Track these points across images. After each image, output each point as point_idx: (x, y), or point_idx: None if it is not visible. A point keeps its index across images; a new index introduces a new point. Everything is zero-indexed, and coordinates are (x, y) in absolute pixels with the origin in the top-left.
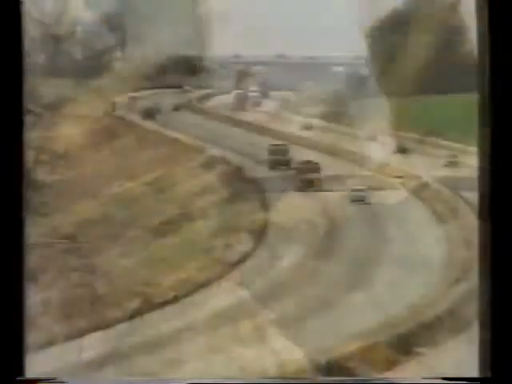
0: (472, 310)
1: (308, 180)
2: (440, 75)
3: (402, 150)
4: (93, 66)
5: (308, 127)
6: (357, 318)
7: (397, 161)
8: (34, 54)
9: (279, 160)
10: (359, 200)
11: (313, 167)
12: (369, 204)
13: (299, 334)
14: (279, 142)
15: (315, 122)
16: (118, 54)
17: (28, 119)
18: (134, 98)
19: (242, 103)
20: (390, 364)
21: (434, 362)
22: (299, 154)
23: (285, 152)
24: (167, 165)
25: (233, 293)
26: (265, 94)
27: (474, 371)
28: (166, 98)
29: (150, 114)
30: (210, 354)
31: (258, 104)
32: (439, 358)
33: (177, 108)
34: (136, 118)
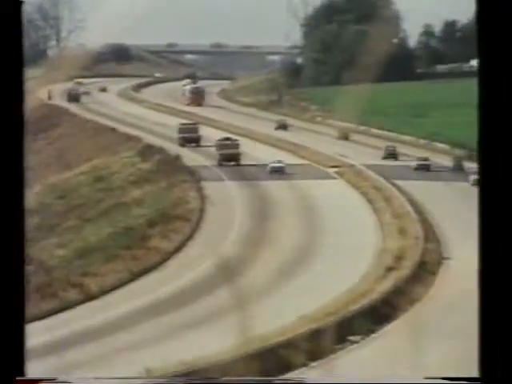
0: (405, 299)
1: (227, 154)
2: (374, 64)
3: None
4: (28, 55)
5: (282, 126)
6: (291, 307)
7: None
8: None
9: (189, 138)
10: (278, 171)
11: (232, 143)
12: (286, 174)
13: (236, 323)
14: (189, 122)
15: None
16: (54, 42)
17: None
18: (79, 84)
19: (197, 98)
20: (324, 352)
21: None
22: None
23: (194, 130)
24: (104, 154)
25: (170, 282)
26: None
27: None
28: (112, 85)
29: (74, 97)
30: (150, 342)
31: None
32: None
33: (104, 89)
34: (72, 107)
